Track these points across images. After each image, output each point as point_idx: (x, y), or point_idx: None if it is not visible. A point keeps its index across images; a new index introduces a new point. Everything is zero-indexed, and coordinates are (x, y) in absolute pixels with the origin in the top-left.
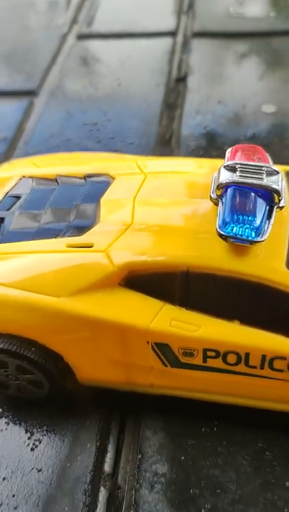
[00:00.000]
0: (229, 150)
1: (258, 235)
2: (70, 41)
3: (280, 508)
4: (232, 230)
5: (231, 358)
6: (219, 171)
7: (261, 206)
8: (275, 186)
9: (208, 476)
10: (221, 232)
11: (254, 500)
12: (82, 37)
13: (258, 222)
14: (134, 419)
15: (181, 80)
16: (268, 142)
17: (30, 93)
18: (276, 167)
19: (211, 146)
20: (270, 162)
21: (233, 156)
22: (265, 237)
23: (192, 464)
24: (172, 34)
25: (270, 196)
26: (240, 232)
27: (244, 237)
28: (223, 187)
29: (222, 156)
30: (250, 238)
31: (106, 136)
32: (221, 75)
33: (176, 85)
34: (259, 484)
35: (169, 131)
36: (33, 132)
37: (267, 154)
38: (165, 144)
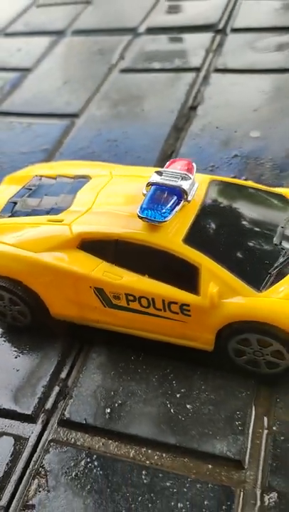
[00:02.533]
0: (168, 162)
1: (163, 218)
2: (114, 74)
3: (168, 408)
4: (146, 213)
5: (144, 302)
6: (151, 175)
7: (172, 200)
8: (184, 187)
9: (127, 385)
10: (139, 215)
11: (152, 402)
12: (124, 71)
13: (164, 210)
14: (88, 346)
15: (193, 108)
16: (245, 161)
17: (74, 115)
18: (192, 174)
19: (200, 161)
20: (194, 172)
21: (168, 165)
22: (168, 219)
23: (118, 377)
24: (197, 69)
25: (181, 193)
26: (150, 215)
27: (152, 218)
28: (149, 185)
29: (206, 170)
30: (156, 220)
31: (121, 151)
32: (225, 105)
33: (188, 112)
34: (159, 393)
35: (172, 149)
36: (68, 146)
37: (194, 166)
38: (165, 159)
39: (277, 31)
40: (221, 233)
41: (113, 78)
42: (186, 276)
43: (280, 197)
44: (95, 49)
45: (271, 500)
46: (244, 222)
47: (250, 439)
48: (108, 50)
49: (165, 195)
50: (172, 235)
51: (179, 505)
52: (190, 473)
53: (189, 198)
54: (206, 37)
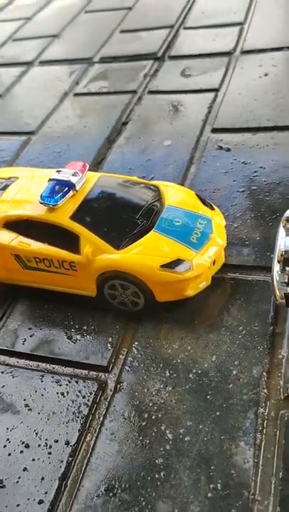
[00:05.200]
0: (69, 164)
1: (55, 202)
2: (69, 97)
3: (68, 334)
4: (44, 200)
5: (47, 263)
6: (53, 173)
7: (64, 190)
8: (72, 181)
9: (40, 325)
10: (40, 201)
11: (54, 332)
12: (77, 94)
13: (57, 197)
14: (16, 299)
15: (125, 123)
16: (155, 163)
17: (30, 133)
18: (82, 173)
19: (121, 165)
20: (86, 171)
21: (67, 166)
22: (59, 203)
23: (34, 319)
24: (134, 91)
25: (71, 185)
26: (47, 201)
27: (48, 203)
28: (49, 180)
29: (124, 171)
30: (51, 204)
31: (63, 160)
32: (149, 120)
33: (120, 127)
34: (60, 328)
35: (102, 157)
36: (23, 157)
37: (87, 166)
38: (96, 165)
39: (208, 57)
40: (98, 212)
41: (68, 101)
42: (71, 242)
43: (153, 187)
44: (55, 76)
45: (119, 387)
46: (118, 204)
47: (115, 353)
48: (66, 77)
49: (59, 186)
50: (63, 214)
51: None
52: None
53: (77, 189)
54: (146, 64)
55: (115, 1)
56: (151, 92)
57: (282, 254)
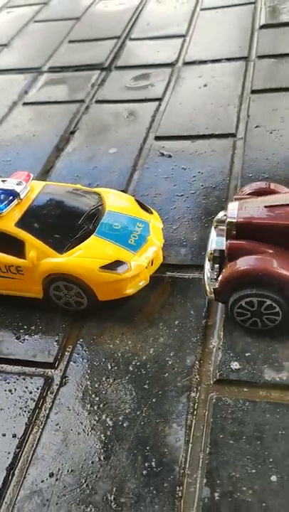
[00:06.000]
0: (13, 173)
1: (1, 211)
2: (18, 107)
3: (16, 334)
4: None
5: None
6: None
7: (8, 198)
8: (16, 190)
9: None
10: None
11: (2, 329)
12: (26, 104)
13: (1, 205)
14: None
15: (72, 132)
16: (101, 171)
17: None
18: (26, 182)
19: (69, 173)
20: (30, 180)
21: (12, 176)
22: (4, 212)
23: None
24: (82, 101)
25: (15, 194)
26: None
27: None
28: None
29: (72, 179)
30: None
31: (12, 169)
32: (96, 129)
33: (68, 136)
34: (9, 329)
35: (51, 165)
36: None
37: (31, 176)
38: (45, 173)
39: (153, 67)
40: (42, 218)
41: (17, 110)
42: (17, 248)
43: (95, 194)
44: (4, 86)
45: (65, 381)
46: (61, 211)
47: (61, 350)
48: (15, 86)
49: (4, 196)
50: (8, 222)
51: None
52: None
53: (22, 197)
54: (93, 74)
55: (64, 11)
56: (98, 102)
57: (211, 253)
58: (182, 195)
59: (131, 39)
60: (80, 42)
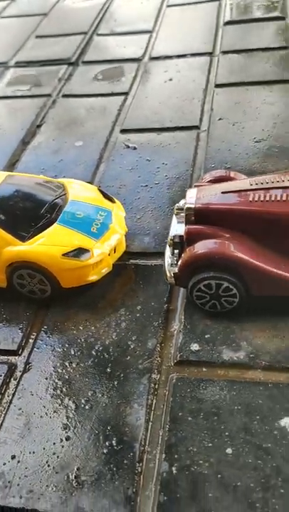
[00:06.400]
0: None
1: None
2: None
3: None
4: None
5: None
6: None
7: None
8: None
9: None
10: None
11: None
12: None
13: None
14: None
15: (39, 126)
16: (66, 164)
17: None
18: None
19: (35, 166)
20: None
21: None
22: None
23: None
24: (49, 95)
25: None
26: None
27: None
28: None
29: (38, 171)
30: None
31: None
32: (63, 123)
33: (35, 129)
34: None
35: (16, 158)
36: None
37: None
38: (11, 166)
39: (119, 62)
40: (3, 207)
41: None
42: None
43: (58, 184)
44: None
45: (28, 367)
46: (24, 201)
47: (25, 338)
48: None
49: None
50: None
51: None
52: None
53: None
54: (60, 69)
55: (32, 7)
56: (65, 96)
57: (171, 239)
58: (146, 185)
59: (98, 35)
60: (48, 37)
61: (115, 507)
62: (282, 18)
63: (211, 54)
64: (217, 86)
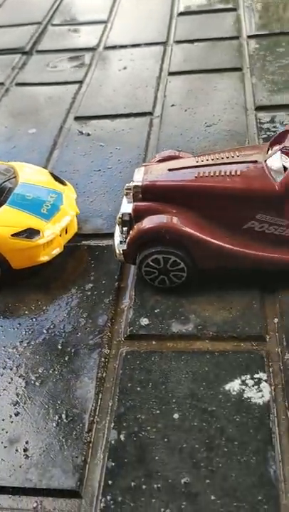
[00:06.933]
0: None
1: None
2: None
3: None
4: None
5: None
6: None
7: None
8: None
9: None
10: None
11: None
12: None
13: None
14: None
15: None
16: (19, 151)
17: None
18: None
19: None
20: None
21: None
22: None
23: None
24: (1, 84)
25: None
26: None
27: None
28: None
29: None
30: None
31: None
32: (16, 111)
33: None
34: None
35: None
36: None
37: None
38: None
39: (74, 52)
40: None
41: None
42: None
43: (8, 167)
44: None
45: None
46: None
47: None
48: None
49: None
50: None
51: None
52: None
53: None
54: (14, 58)
55: None
56: (18, 85)
57: (120, 217)
58: (99, 170)
59: (53, 25)
60: (1, 27)
61: (64, 476)
62: (234, 10)
63: (164, 43)
64: (170, 74)
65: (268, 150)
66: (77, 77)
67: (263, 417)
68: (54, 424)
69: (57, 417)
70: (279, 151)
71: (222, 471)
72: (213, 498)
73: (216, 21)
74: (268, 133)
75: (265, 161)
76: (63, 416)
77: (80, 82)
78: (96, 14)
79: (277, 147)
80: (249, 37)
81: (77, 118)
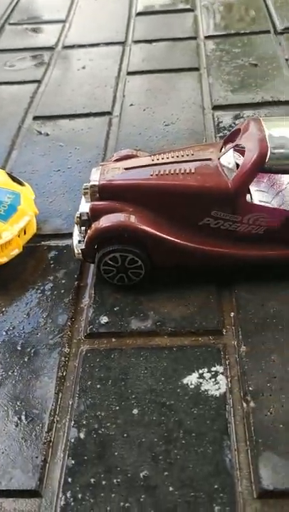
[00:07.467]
0: None
1: None
2: None
3: None
4: None
5: None
6: None
7: None
8: None
9: None
10: None
11: None
12: None
13: None
14: None
15: None
16: None
17: None
18: None
19: None
20: None
21: None
22: None
23: None
24: None
25: None
26: None
27: None
28: None
29: None
30: None
31: None
32: None
33: None
34: None
35: None
36: None
37: None
38: None
39: (32, 51)
40: None
41: None
42: None
43: None
44: None
45: None
46: None
47: None
48: None
49: None
50: None
51: None
52: None
53: None
54: None
55: None
56: None
57: (78, 217)
58: (59, 170)
59: (10, 24)
60: None
61: (24, 476)
62: (192, 10)
63: (123, 43)
64: (129, 74)
65: (222, 148)
66: (35, 76)
67: (219, 408)
68: (14, 426)
69: (16, 419)
70: (232, 149)
71: (180, 462)
72: (171, 489)
73: (173, 21)
74: (225, 131)
75: (219, 158)
76: (23, 417)
77: (39, 82)
78: (54, 13)
79: (230, 145)
80: (206, 37)
81: (35, 118)
